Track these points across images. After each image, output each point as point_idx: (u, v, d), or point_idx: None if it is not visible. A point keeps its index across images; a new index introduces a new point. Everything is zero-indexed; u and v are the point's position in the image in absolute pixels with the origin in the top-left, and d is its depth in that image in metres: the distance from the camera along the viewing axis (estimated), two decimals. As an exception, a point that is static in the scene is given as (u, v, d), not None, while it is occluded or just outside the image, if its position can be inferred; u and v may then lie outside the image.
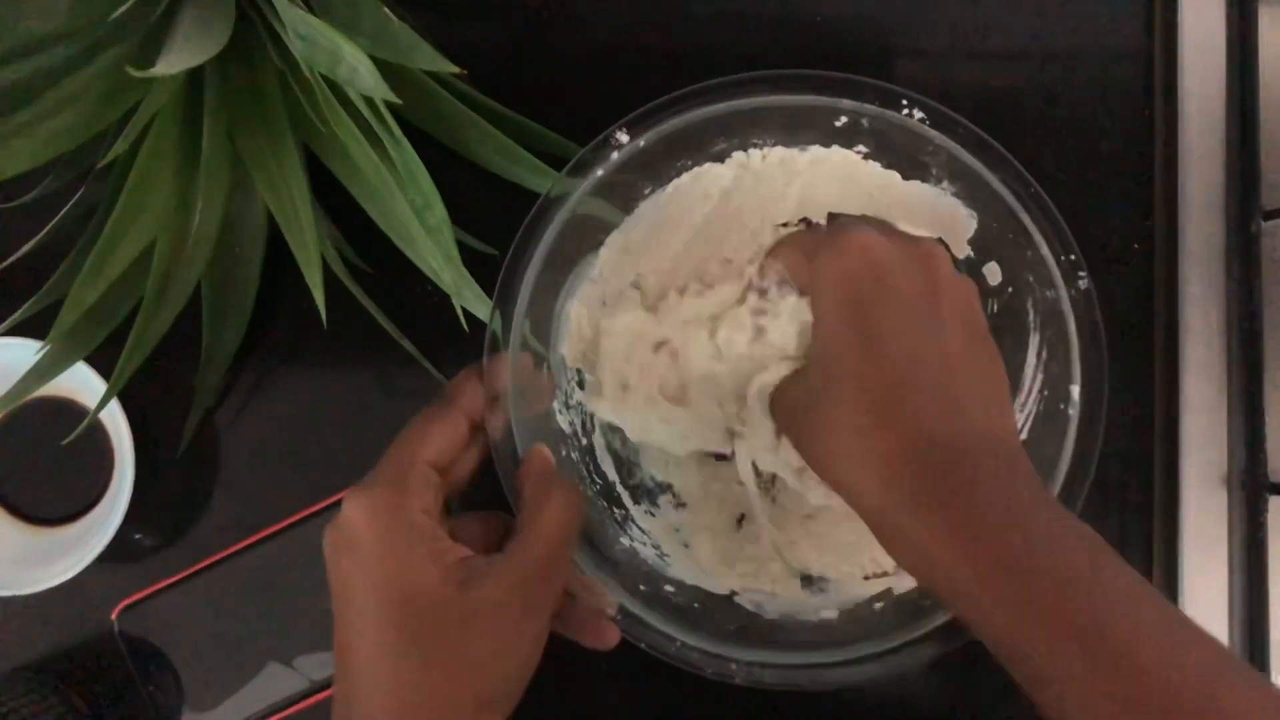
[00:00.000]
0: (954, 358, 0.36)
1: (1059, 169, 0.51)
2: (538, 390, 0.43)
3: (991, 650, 0.33)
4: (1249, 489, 0.48)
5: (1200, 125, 0.51)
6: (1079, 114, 0.51)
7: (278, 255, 0.47)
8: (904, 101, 0.42)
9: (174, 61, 0.37)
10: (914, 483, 0.34)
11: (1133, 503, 0.50)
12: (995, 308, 0.46)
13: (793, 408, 0.40)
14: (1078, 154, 0.51)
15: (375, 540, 0.34)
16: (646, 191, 0.45)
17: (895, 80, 0.51)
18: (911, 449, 0.34)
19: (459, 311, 0.45)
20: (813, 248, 0.40)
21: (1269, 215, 0.49)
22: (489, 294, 0.43)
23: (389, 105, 0.42)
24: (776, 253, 0.43)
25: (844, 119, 0.43)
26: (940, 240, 0.44)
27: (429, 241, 0.43)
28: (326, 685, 0.49)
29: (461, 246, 0.46)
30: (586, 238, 0.44)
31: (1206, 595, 0.48)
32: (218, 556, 0.49)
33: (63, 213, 0.46)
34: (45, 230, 0.46)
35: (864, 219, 0.43)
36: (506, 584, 0.34)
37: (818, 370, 0.38)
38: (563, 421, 0.47)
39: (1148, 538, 0.49)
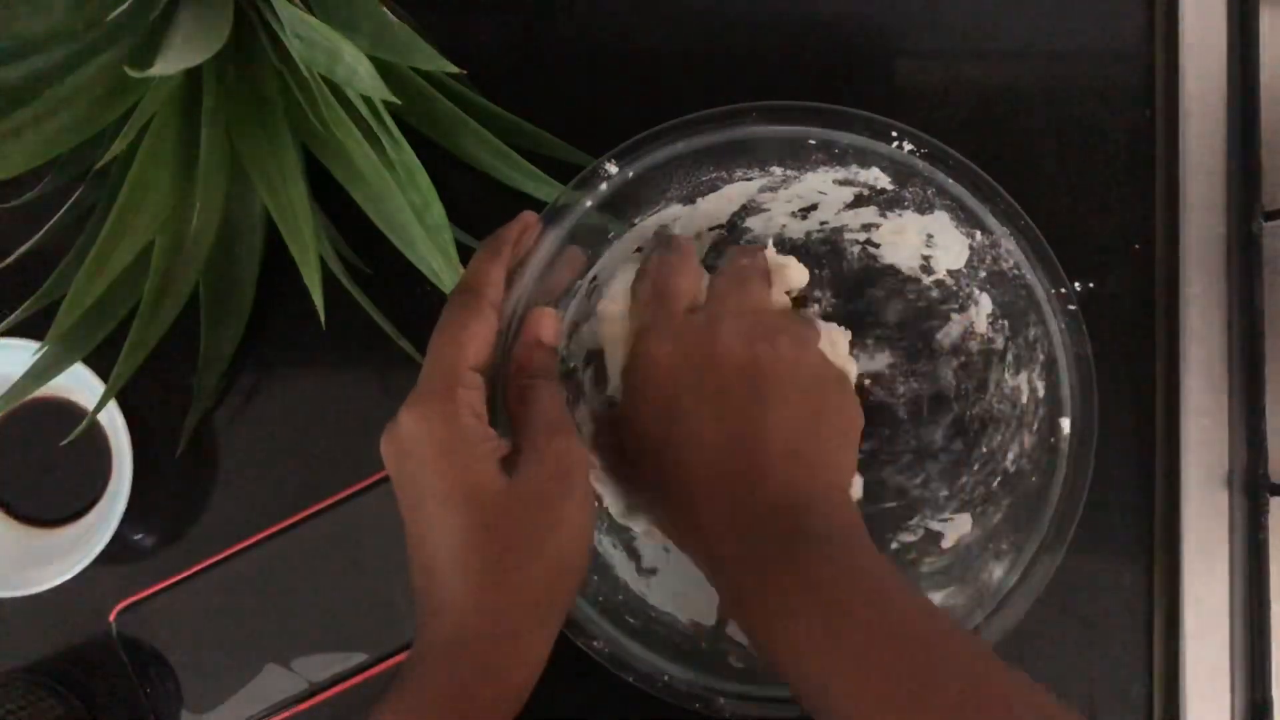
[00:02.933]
0: (746, 445, 0.39)
1: (1059, 169, 0.51)
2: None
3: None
4: (1250, 490, 0.48)
5: (1201, 125, 0.51)
6: (1079, 114, 0.51)
7: (276, 256, 0.47)
8: (894, 133, 0.42)
9: (172, 62, 0.37)
10: (739, 549, 0.38)
11: (1133, 503, 0.50)
12: (984, 340, 0.46)
13: (617, 467, 0.44)
14: (1078, 154, 0.51)
15: (434, 447, 0.36)
16: (635, 219, 0.45)
17: (896, 81, 0.52)
18: (736, 519, 0.38)
19: (458, 312, 0.45)
20: (632, 329, 0.43)
21: (1269, 215, 0.49)
22: (488, 294, 0.42)
23: (388, 106, 0.42)
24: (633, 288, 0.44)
25: (836, 149, 0.43)
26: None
27: (428, 242, 0.43)
28: (326, 686, 0.49)
29: (460, 247, 0.46)
30: (588, 246, 0.44)
31: (1207, 596, 0.48)
32: (216, 558, 0.49)
33: (61, 213, 0.46)
34: (43, 231, 0.46)
35: (736, 266, 0.44)
36: (548, 472, 0.37)
37: (640, 458, 0.42)
38: None
39: (1148, 538, 0.49)
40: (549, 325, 0.41)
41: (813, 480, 0.39)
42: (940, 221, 0.44)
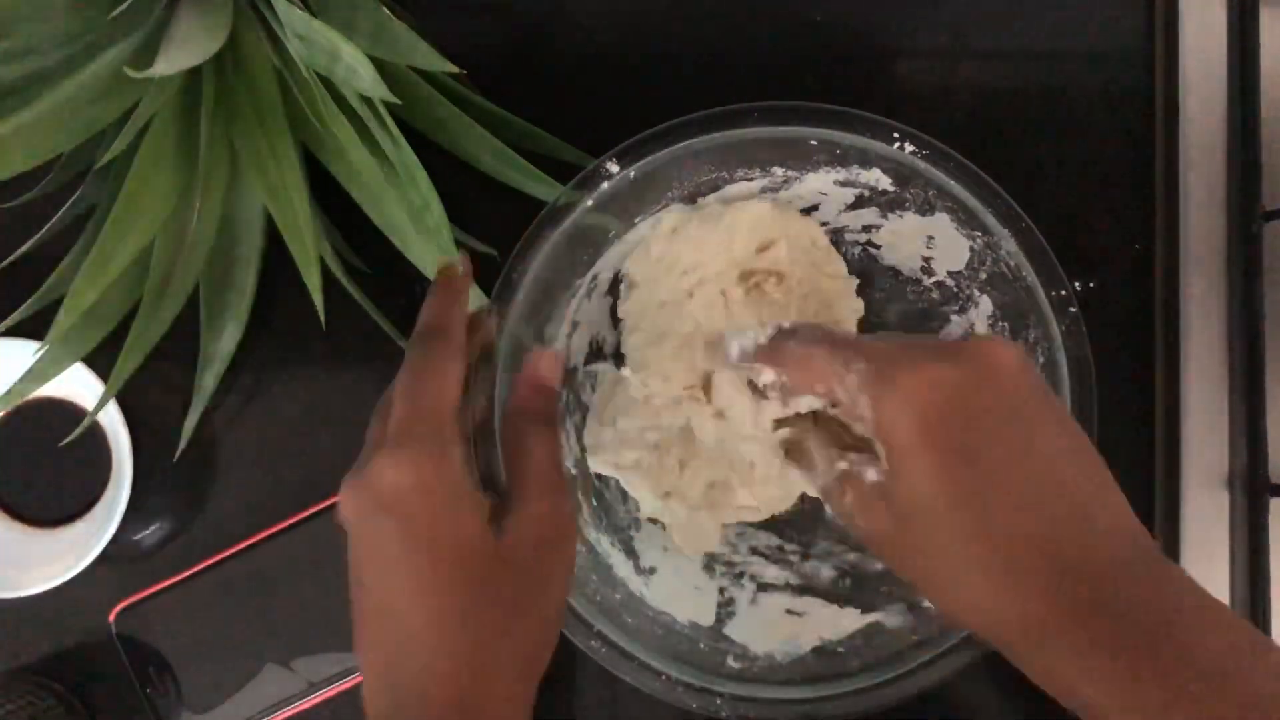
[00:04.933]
0: (1054, 459, 0.33)
1: (1060, 169, 0.51)
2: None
3: None
4: (1250, 490, 0.48)
5: (1201, 125, 0.51)
6: (1079, 114, 0.51)
7: (276, 256, 0.47)
8: (895, 134, 0.42)
9: (172, 62, 0.37)
10: (1052, 616, 0.31)
11: (1133, 503, 0.49)
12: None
13: (883, 531, 0.35)
14: (1078, 154, 0.51)
15: (423, 502, 0.32)
16: (635, 219, 0.45)
17: (896, 81, 0.51)
18: (1044, 577, 0.31)
19: (458, 312, 0.45)
20: (848, 386, 0.34)
21: (1269, 215, 0.49)
22: (488, 294, 0.43)
23: (388, 106, 0.42)
24: (796, 370, 0.37)
25: (838, 150, 0.43)
26: None
27: (428, 242, 0.43)
28: (325, 686, 0.49)
29: (460, 247, 0.46)
30: (588, 245, 0.44)
31: (1207, 596, 0.48)
32: (215, 558, 0.49)
33: (60, 213, 0.46)
34: (43, 231, 0.46)
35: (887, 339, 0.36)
36: (540, 534, 0.34)
37: (910, 511, 0.33)
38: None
39: (1148, 538, 0.49)
40: (549, 366, 0.38)
41: (1118, 505, 0.33)
42: (941, 223, 0.44)
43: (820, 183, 0.45)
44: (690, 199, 0.45)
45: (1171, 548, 0.49)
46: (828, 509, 0.43)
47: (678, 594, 0.46)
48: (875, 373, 0.33)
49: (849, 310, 0.48)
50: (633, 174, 0.42)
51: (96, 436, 0.49)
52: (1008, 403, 0.32)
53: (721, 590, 0.47)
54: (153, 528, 0.50)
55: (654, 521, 0.48)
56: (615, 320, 0.49)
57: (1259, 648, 0.31)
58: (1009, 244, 0.42)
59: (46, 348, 0.44)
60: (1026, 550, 0.31)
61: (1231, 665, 0.30)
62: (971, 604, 0.33)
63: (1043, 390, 0.34)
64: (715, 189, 0.45)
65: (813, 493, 0.44)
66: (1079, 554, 0.31)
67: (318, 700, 0.49)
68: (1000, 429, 0.32)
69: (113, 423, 0.47)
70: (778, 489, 0.47)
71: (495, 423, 0.40)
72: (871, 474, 0.34)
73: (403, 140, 0.43)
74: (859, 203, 0.46)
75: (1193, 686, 0.29)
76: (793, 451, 0.39)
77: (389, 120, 0.43)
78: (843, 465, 0.35)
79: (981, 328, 0.46)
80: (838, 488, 0.36)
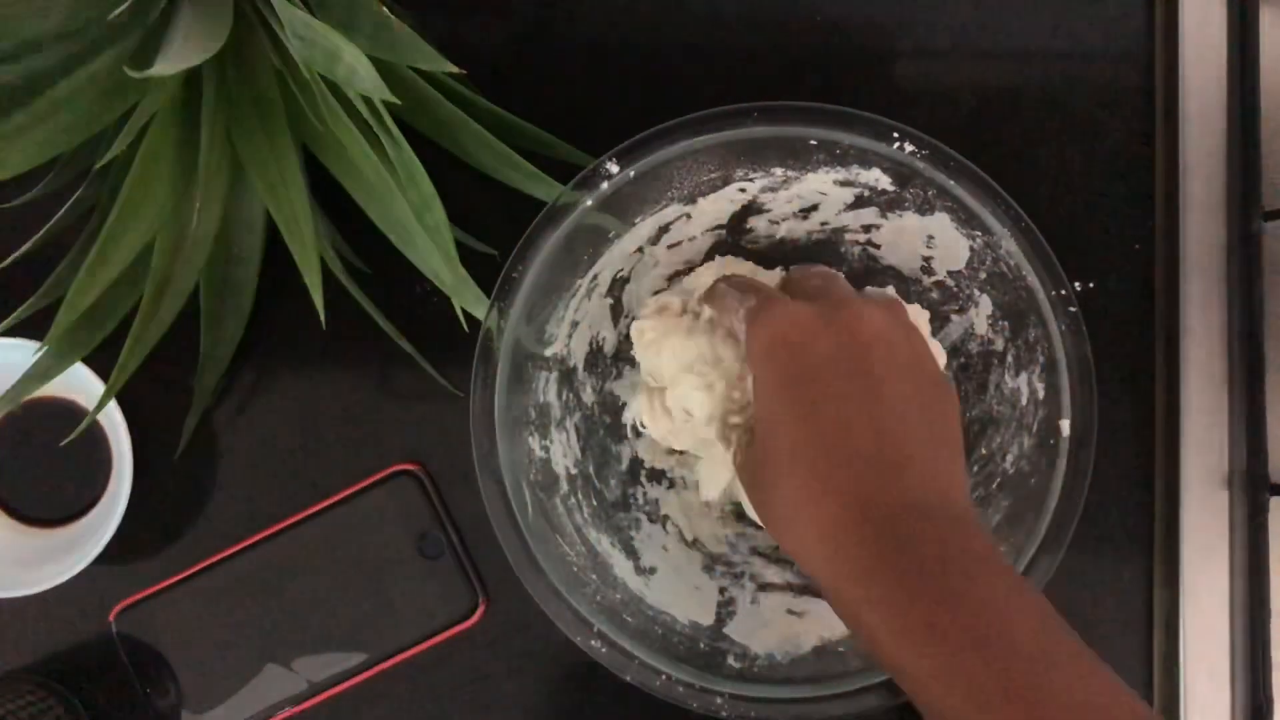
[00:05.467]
0: (889, 418, 0.36)
1: (1059, 169, 0.51)
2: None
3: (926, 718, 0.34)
4: (1249, 489, 0.48)
5: (1201, 125, 0.51)
6: (1079, 114, 0.51)
7: (276, 256, 0.47)
8: (895, 134, 0.42)
9: (172, 62, 0.37)
10: (853, 553, 0.34)
11: (1133, 503, 0.50)
12: (984, 342, 0.46)
13: (747, 475, 0.40)
14: (1078, 154, 0.51)
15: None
16: (635, 219, 0.45)
17: (896, 81, 0.51)
18: (849, 520, 0.35)
19: (458, 312, 0.45)
20: (747, 313, 0.40)
21: (1270, 215, 0.49)
22: (488, 294, 0.43)
23: (388, 106, 0.42)
24: (716, 303, 0.43)
25: (838, 150, 0.43)
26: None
27: (428, 242, 0.43)
28: (325, 686, 0.49)
29: (460, 247, 0.46)
30: (588, 245, 0.44)
31: (1207, 595, 0.48)
32: (216, 558, 0.49)
33: (60, 213, 0.46)
34: (43, 231, 0.46)
35: (813, 272, 0.42)
36: None
37: (758, 442, 0.38)
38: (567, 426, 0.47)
39: (1148, 538, 0.49)
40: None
41: (950, 474, 0.37)
42: (941, 223, 0.44)
43: (820, 183, 0.45)
44: (689, 199, 0.45)
45: (1171, 547, 0.49)
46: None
47: (678, 594, 0.46)
48: (757, 307, 0.39)
49: None
50: (633, 174, 0.42)
51: (96, 436, 0.49)
52: (858, 354, 0.37)
53: (721, 590, 0.47)
54: (153, 528, 0.50)
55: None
56: (615, 320, 0.49)
57: (1030, 599, 0.33)
58: (1009, 244, 0.42)
59: (46, 348, 0.44)
60: (835, 484, 0.35)
61: (998, 605, 0.33)
62: (798, 539, 0.36)
63: (903, 353, 0.38)
64: (715, 189, 0.45)
65: (728, 527, 0.49)
66: (879, 494, 0.35)
67: (318, 700, 0.49)
68: (842, 373, 0.37)
69: (113, 423, 0.47)
70: None
71: (497, 420, 0.41)
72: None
73: (403, 140, 0.43)
74: (859, 203, 0.46)
75: (961, 619, 0.32)
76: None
77: (389, 120, 0.43)
78: (736, 419, 0.42)
79: (981, 327, 0.46)
80: (736, 450, 0.41)
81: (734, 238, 0.49)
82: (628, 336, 0.49)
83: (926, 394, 0.38)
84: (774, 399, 0.37)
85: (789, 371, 0.37)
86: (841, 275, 0.42)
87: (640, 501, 0.49)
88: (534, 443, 0.45)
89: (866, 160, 0.43)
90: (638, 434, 0.49)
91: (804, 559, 0.36)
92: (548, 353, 0.46)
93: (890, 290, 0.49)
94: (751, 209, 0.47)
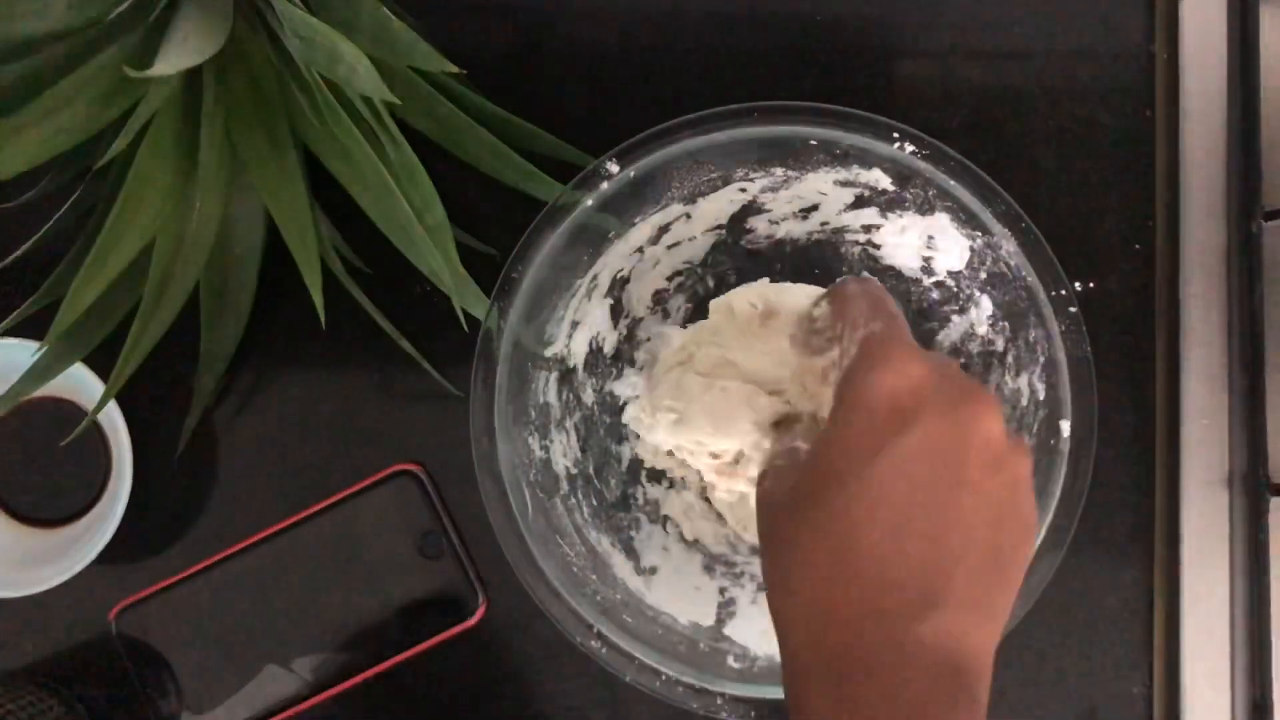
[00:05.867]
0: (954, 534, 0.31)
1: (1059, 169, 0.51)
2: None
3: None
4: (1250, 490, 0.48)
5: (1201, 125, 0.51)
6: (1079, 114, 0.51)
7: (276, 256, 0.47)
8: (895, 134, 0.42)
9: (172, 62, 0.37)
10: (820, 669, 0.31)
11: (1133, 503, 0.50)
12: (985, 342, 0.46)
13: (771, 506, 0.35)
14: (1078, 154, 0.51)
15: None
16: (635, 219, 0.45)
17: (896, 81, 0.51)
18: (832, 645, 0.31)
19: (459, 312, 0.45)
20: (868, 337, 0.35)
21: (1270, 215, 0.49)
22: (488, 294, 0.43)
23: (388, 106, 0.42)
24: (840, 303, 0.38)
25: (838, 150, 0.43)
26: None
27: (428, 242, 0.43)
28: (325, 686, 0.49)
29: (461, 247, 0.46)
30: (588, 245, 0.44)
31: (1207, 596, 0.48)
32: (216, 558, 0.49)
33: (60, 213, 0.46)
34: (43, 231, 0.46)
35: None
36: None
37: (804, 482, 0.33)
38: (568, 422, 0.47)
39: (1148, 538, 0.49)
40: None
41: (984, 630, 0.31)
42: (941, 223, 0.44)
43: (820, 183, 0.45)
44: (690, 199, 0.45)
45: (1172, 547, 0.49)
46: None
47: (678, 594, 0.46)
48: (883, 337, 0.34)
49: None
50: (633, 174, 0.42)
51: (96, 436, 0.49)
52: (960, 452, 0.31)
53: (722, 590, 0.47)
54: (153, 527, 0.50)
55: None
56: (615, 320, 0.49)
57: None
58: (1009, 244, 0.42)
59: (46, 348, 0.44)
60: (855, 586, 0.30)
61: None
62: (787, 615, 0.32)
63: (1008, 474, 0.32)
64: (715, 189, 0.45)
65: (728, 526, 0.48)
66: (894, 622, 0.30)
67: (318, 700, 0.49)
68: (933, 461, 0.31)
69: (113, 423, 0.47)
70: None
71: (497, 420, 0.40)
72: (802, 444, 0.36)
73: (403, 140, 0.43)
74: (859, 203, 0.46)
75: None
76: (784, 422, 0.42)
77: (389, 120, 0.43)
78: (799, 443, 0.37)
79: (981, 328, 0.46)
80: (781, 456, 0.37)
81: (734, 238, 0.49)
82: (628, 337, 0.49)
83: (1008, 527, 0.32)
84: (849, 449, 0.32)
85: (882, 427, 0.31)
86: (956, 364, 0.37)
87: (640, 501, 0.49)
88: (534, 443, 0.45)
89: (866, 160, 0.43)
90: (638, 434, 0.49)
91: (781, 634, 0.33)
92: (548, 353, 0.46)
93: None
94: (751, 209, 0.47)
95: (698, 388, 0.45)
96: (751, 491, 0.45)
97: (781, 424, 0.43)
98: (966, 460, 0.31)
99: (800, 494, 0.33)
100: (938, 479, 0.31)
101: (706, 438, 0.45)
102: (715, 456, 0.45)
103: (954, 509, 0.31)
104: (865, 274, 0.44)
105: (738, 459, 0.45)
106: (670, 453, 0.49)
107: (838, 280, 0.39)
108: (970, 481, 0.31)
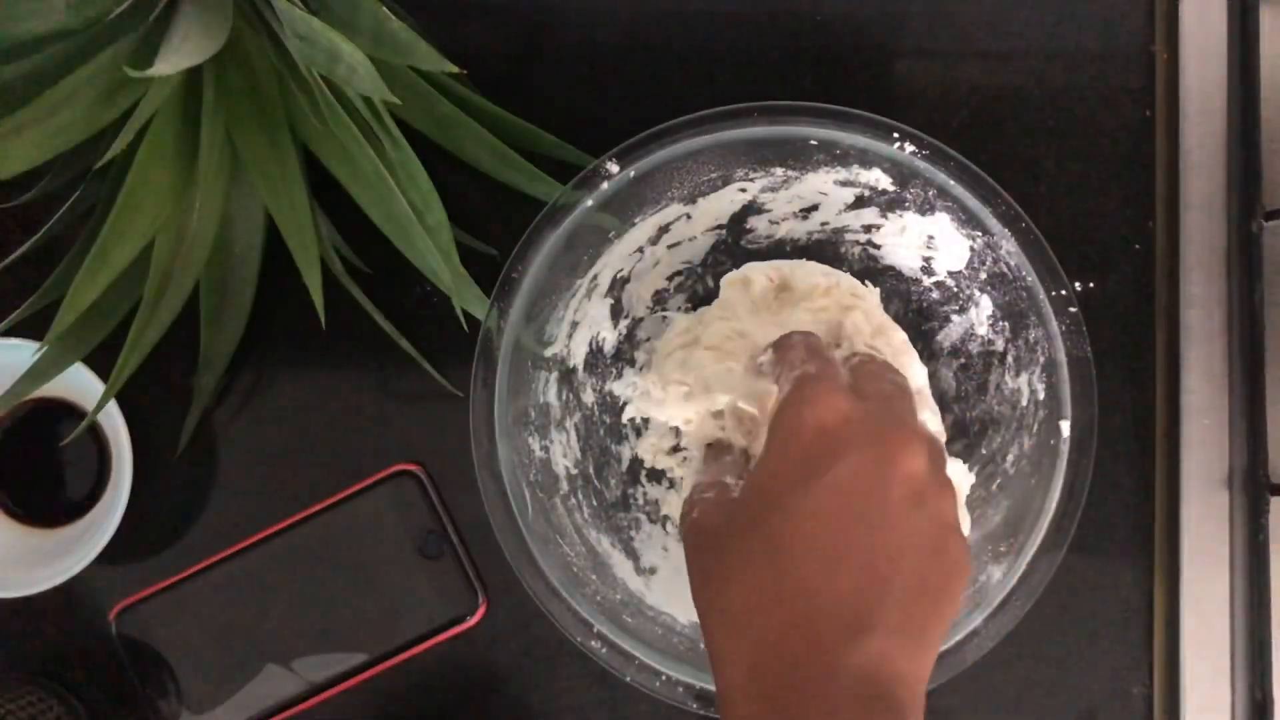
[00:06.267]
0: (883, 563, 0.32)
1: (1059, 169, 0.51)
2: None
3: None
4: (1250, 490, 0.48)
5: (1201, 125, 0.51)
6: (1079, 114, 0.51)
7: (276, 256, 0.47)
8: (895, 134, 0.42)
9: (172, 61, 0.37)
10: (755, 694, 0.31)
11: (1133, 503, 0.50)
12: (985, 342, 0.46)
13: (706, 525, 0.36)
14: (1078, 154, 0.51)
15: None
16: (635, 219, 0.45)
17: (896, 81, 0.51)
18: (771, 666, 0.31)
19: (459, 312, 0.45)
20: (800, 376, 0.36)
21: (1270, 215, 0.49)
22: (488, 294, 0.43)
23: (388, 106, 0.42)
24: (781, 351, 0.40)
25: (838, 150, 0.43)
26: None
27: (428, 242, 0.43)
28: (325, 687, 0.49)
29: (461, 247, 0.46)
30: (588, 245, 0.45)
31: (1207, 596, 0.48)
32: (216, 558, 0.49)
33: (60, 213, 0.46)
34: (42, 231, 0.46)
35: (888, 374, 0.39)
36: None
37: (736, 508, 0.34)
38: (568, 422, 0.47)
39: (1148, 538, 0.49)
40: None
41: (914, 659, 0.32)
42: (941, 223, 0.44)
43: (820, 183, 0.45)
44: (690, 199, 0.45)
45: (1172, 547, 0.49)
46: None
47: (678, 594, 0.46)
48: (814, 375, 0.36)
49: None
50: (633, 174, 0.42)
51: (96, 437, 0.49)
52: (887, 481, 0.33)
53: (721, 590, 0.47)
54: (152, 527, 0.50)
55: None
56: (615, 320, 0.49)
57: None
58: (1009, 244, 0.42)
59: (46, 348, 0.44)
60: (784, 612, 0.31)
61: None
62: (717, 638, 0.33)
63: (931, 508, 0.33)
64: (715, 189, 0.45)
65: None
66: (821, 647, 0.31)
67: (318, 700, 0.49)
68: (862, 489, 0.32)
69: (113, 423, 0.47)
70: None
71: (497, 420, 0.40)
72: (731, 480, 0.38)
73: (403, 140, 0.43)
74: (859, 203, 0.46)
75: None
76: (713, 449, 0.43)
77: (389, 120, 0.43)
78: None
79: (982, 328, 0.46)
80: (709, 489, 0.37)
81: (734, 238, 0.49)
82: (628, 337, 0.49)
83: (935, 562, 0.33)
84: (778, 478, 0.33)
85: (810, 457, 0.33)
86: (911, 392, 0.38)
87: (640, 502, 0.49)
88: (534, 443, 0.45)
89: (866, 160, 0.43)
90: (638, 434, 0.49)
91: (714, 660, 0.33)
92: (548, 353, 0.46)
93: (923, 378, 0.46)
94: (751, 209, 0.47)
95: (708, 360, 0.45)
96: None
97: (713, 448, 0.43)
98: (890, 495, 0.32)
99: (733, 524, 0.34)
100: (866, 510, 0.32)
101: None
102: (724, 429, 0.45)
103: (880, 540, 0.32)
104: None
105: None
106: (673, 450, 0.48)
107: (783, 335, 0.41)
108: (894, 515, 0.32)
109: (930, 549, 0.33)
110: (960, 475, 0.45)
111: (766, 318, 0.46)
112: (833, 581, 0.31)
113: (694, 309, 0.49)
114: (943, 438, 0.45)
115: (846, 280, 0.47)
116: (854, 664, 0.30)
